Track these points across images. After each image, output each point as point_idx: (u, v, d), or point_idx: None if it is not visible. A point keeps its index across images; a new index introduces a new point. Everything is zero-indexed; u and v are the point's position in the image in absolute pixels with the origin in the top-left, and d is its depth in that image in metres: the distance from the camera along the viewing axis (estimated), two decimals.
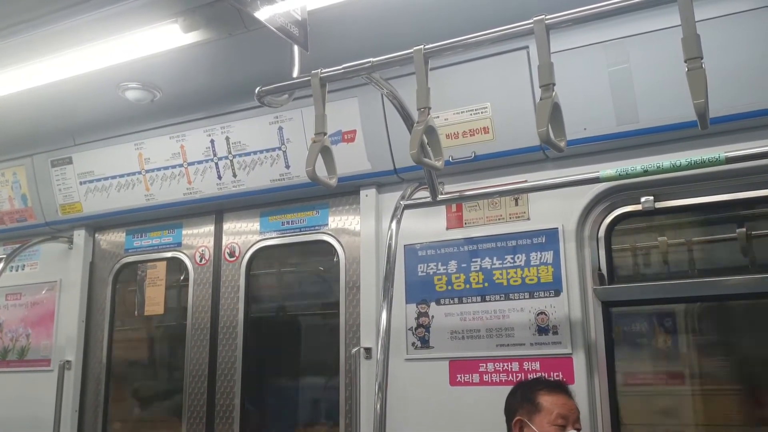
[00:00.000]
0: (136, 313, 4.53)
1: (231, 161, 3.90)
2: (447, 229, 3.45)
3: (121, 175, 4.25)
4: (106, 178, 4.31)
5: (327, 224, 3.87)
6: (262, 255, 4.10)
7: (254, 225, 4.11)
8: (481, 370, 3.24)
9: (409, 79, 2.38)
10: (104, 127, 4.16)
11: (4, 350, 4.72)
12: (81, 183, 4.40)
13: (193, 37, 2.97)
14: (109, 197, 4.34)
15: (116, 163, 4.25)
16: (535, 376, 3.05)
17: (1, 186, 4.64)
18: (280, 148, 3.76)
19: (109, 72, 3.34)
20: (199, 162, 4.00)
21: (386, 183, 3.66)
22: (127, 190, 4.26)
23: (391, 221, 3.17)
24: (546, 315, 3.13)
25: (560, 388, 2.75)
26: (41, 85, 3.43)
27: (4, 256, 4.31)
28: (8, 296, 4.78)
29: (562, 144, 2.03)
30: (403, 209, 3.22)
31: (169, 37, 3.01)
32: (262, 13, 2.32)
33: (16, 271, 4.77)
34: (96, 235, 4.66)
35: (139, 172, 4.19)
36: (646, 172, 2.67)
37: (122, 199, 4.31)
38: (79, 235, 4.61)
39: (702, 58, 1.80)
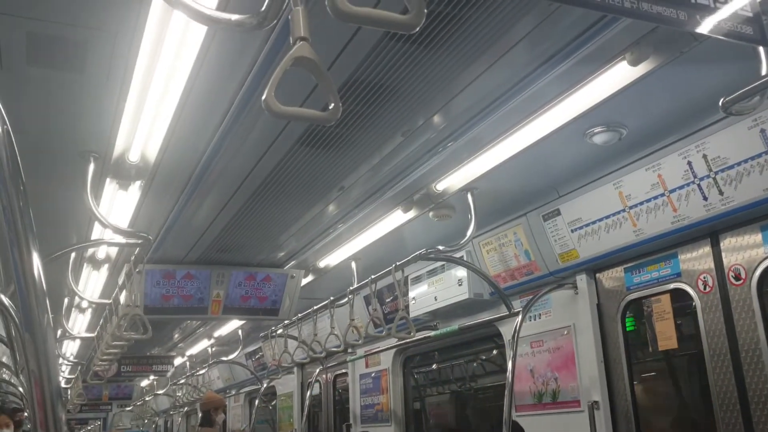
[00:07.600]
0: (650, 349, 4.52)
1: (714, 179, 3.69)
2: None
3: (607, 216, 4.37)
4: (593, 222, 4.49)
5: None
6: None
7: (756, 240, 3.77)
8: None
9: None
10: (582, 175, 4.38)
11: (538, 394, 5.17)
12: (572, 231, 4.66)
13: (643, 68, 2.96)
14: (600, 239, 4.49)
15: (600, 206, 4.39)
16: None
17: (506, 246, 5.22)
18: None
19: (575, 122, 3.49)
20: (680, 187, 3.87)
21: None
22: (616, 229, 4.35)
23: None
24: None
25: None
26: (523, 149, 3.77)
27: (521, 308, 4.77)
28: (532, 344, 5.25)
29: None
30: None
31: (620, 74, 3.05)
32: (704, 27, 2.19)
33: (534, 320, 5.21)
34: (596, 276, 4.82)
35: (623, 210, 4.25)
36: None
37: (613, 239, 4.41)
38: (581, 280, 4.84)
39: None
